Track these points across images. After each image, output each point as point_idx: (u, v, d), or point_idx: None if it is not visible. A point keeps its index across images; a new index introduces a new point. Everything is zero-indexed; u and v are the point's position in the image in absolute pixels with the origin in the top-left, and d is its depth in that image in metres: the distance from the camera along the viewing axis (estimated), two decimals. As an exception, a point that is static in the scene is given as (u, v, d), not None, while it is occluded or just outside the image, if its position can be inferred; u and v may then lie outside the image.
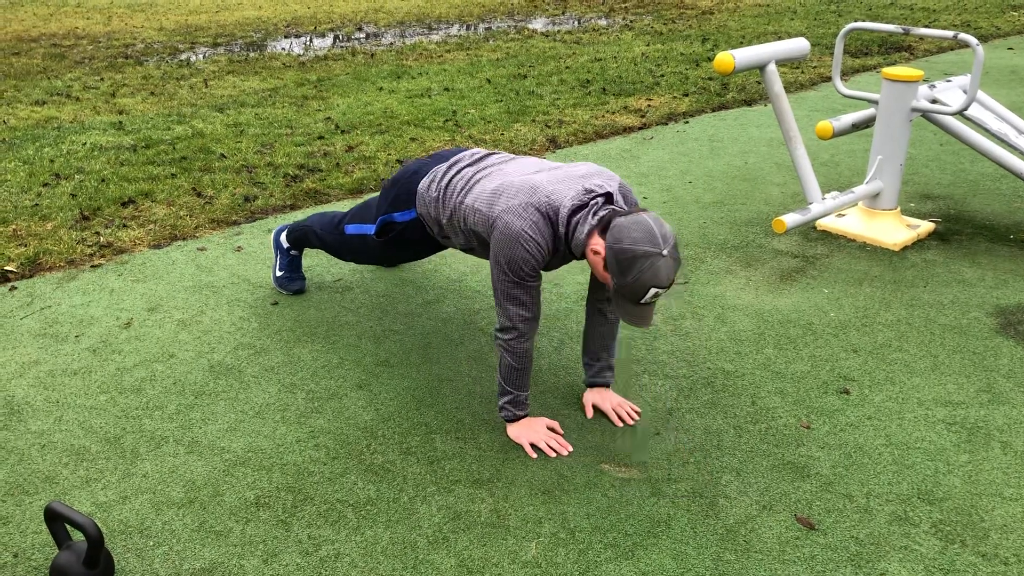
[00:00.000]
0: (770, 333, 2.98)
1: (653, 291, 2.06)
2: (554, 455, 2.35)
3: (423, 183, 2.56)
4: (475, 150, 2.62)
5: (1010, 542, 2.04)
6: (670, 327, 3.02)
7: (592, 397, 2.57)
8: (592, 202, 2.18)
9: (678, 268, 2.10)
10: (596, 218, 2.14)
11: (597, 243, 2.13)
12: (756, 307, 3.17)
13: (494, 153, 2.59)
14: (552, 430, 2.43)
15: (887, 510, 2.14)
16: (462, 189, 2.42)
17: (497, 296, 2.28)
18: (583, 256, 2.21)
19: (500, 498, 2.20)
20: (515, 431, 2.41)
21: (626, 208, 2.22)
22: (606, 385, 2.56)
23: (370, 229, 2.74)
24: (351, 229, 2.83)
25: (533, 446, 2.37)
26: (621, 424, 2.48)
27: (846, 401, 2.59)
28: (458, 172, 2.49)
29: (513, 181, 2.28)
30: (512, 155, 2.56)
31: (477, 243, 2.44)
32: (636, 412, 2.52)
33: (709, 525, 2.10)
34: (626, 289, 2.07)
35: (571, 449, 2.37)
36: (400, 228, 2.65)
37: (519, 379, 2.36)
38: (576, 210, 2.18)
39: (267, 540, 2.06)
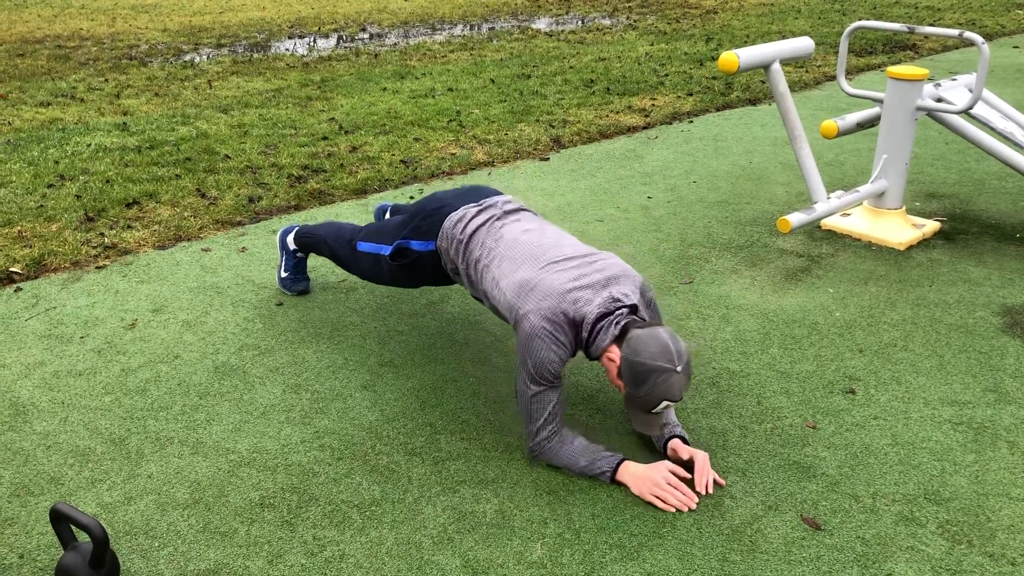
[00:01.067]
0: (775, 333, 2.98)
1: (665, 403, 2.11)
2: (684, 509, 2.14)
3: (449, 220, 2.56)
4: (507, 197, 2.64)
5: (1017, 542, 2.03)
6: (675, 327, 3.02)
7: (685, 450, 2.32)
8: (617, 312, 2.20)
9: (689, 383, 2.13)
10: (618, 328, 2.17)
11: (614, 352, 2.17)
12: (761, 307, 3.16)
13: (524, 209, 2.61)
14: (673, 474, 2.21)
15: (893, 510, 2.13)
16: (489, 253, 2.43)
17: (522, 402, 2.28)
18: (597, 359, 2.24)
19: (505, 498, 2.19)
20: (635, 486, 2.19)
21: (645, 318, 2.25)
22: (684, 438, 2.37)
23: (385, 250, 2.73)
24: (364, 247, 2.82)
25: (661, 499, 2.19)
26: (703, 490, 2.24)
27: (852, 401, 2.58)
28: (486, 224, 2.50)
29: (544, 279, 2.26)
30: (539, 217, 2.58)
31: (488, 305, 2.47)
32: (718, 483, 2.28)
33: (715, 525, 2.09)
34: (639, 399, 2.12)
35: (697, 501, 2.17)
36: (415, 256, 2.66)
37: (579, 453, 2.26)
38: (601, 317, 2.20)
39: (272, 541, 2.06)
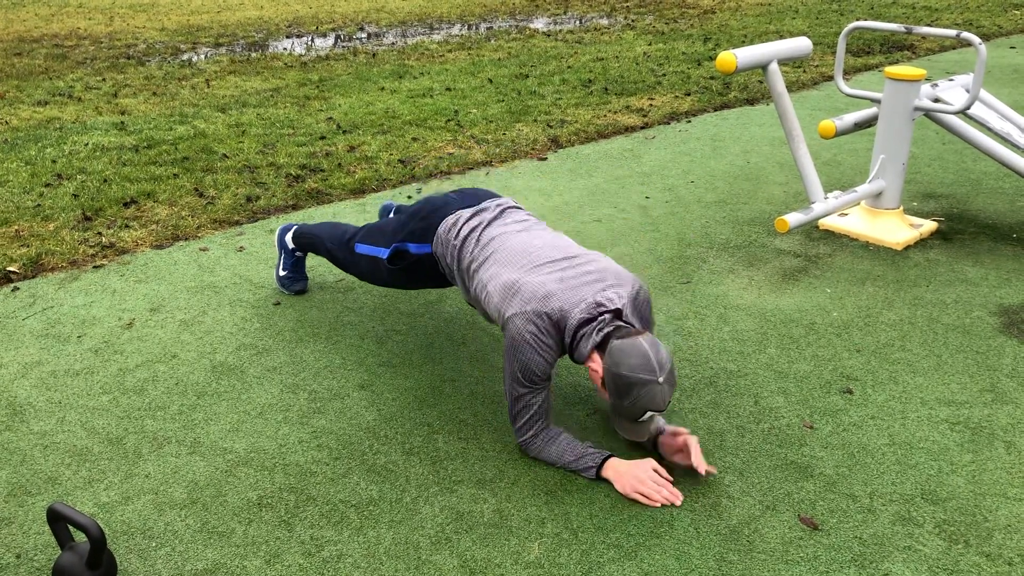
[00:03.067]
0: (773, 333, 2.98)
1: (649, 413, 2.12)
2: (667, 504, 2.15)
3: (444, 225, 2.57)
4: (501, 199, 2.64)
5: (1014, 542, 2.03)
6: (673, 327, 3.02)
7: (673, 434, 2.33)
8: (600, 318, 2.19)
9: (673, 391, 2.13)
10: (600, 335, 2.16)
11: (596, 361, 2.18)
12: (759, 307, 3.16)
13: (518, 208, 2.62)
14: (657, 472, 2.22)
15: (890, 510, 2.14)
16: (478, 257, 2.43)
17: (510, 402, 2.29)
18: (583, 363, 2.25)
19: (503, 498, 2.19)
20: (619, 482, 2.19)
21: (633, 323, 2.23)
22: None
23: (383, 253, 2.73)
24: (362, 248, 2.82)
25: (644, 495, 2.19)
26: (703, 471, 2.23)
27: (849, 401, 2.59)
28: (478, 228, 2.50)
29: (528, 282, 2.26)
30: (532, 218, 2.58)
31: (480, 310, 2.48)
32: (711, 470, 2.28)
33: (712, 525, 2.10)
34: (623, 409, 2.13)
35: (682, 497, 2.18)
36: (413, 260, 2.67)
37: (565, 449, 2.27)
38: (583, 323, 2.19)
39: (269, 541, 2.06)
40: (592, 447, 2.28)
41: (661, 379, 2.07)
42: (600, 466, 2.23)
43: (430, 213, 2.63)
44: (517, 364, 2.22)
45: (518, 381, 2.24)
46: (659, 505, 2.15)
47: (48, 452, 2.38)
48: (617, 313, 2.21)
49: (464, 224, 2.53)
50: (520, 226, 2.50)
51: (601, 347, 2.17)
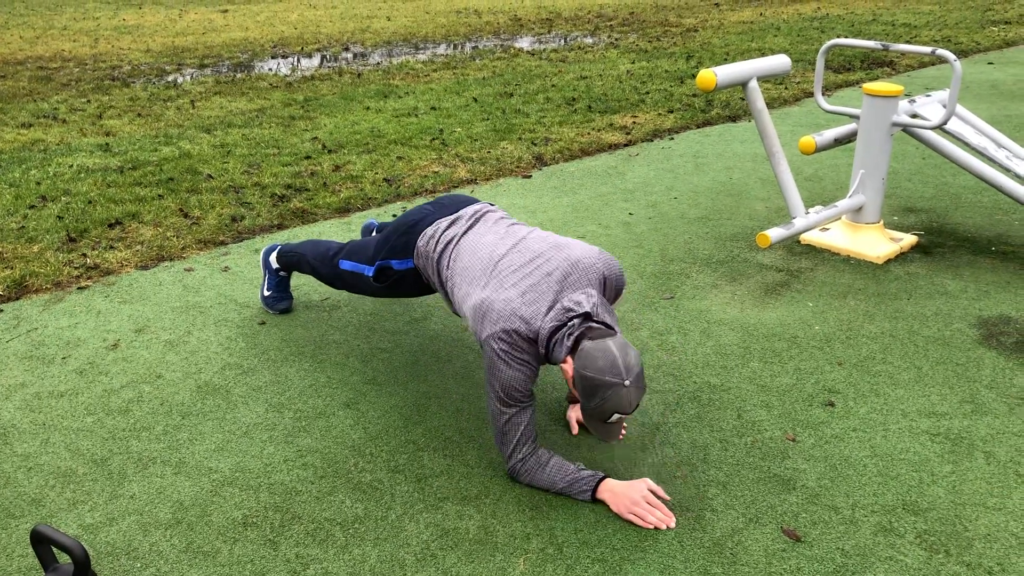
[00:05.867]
0: (755, 347, 3.00)
1: (616, 416, 2.12)
2: (662, 527, 2.15)
3: (422, 239, 2.59)
4: (477, 206, 2.64)
5: (994, 551, 2.06)
6: (656, 342, 3.04)
7: (576, 413, 2.57)
8: (569, 323, 2.20)
9: (642, 395, 2.13)
10: (571, 339, 2.17)
11: (569, 363, 2.19)
12: (741, 321, 3.19)
13: (493, 210, 2.63)
14: (653, 493, 2.23)
15: (872, 521, 2.16)
16: (452, 273, 2.45)
17: (495, 425, 2.29)
18: (559, 364, 2.26)
19: (488, 514, 2.20)
20: (614, 503, 2.21)
21: (605, 321, 2.22)
22: None
23: (367, 270, 2.75)
24: (345, 265, 2.83)
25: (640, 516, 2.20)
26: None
27: (831, 413, 2.61)
28: (452, 241, 2.51)
29: (494, 300, 2.25)
30: (506, 219, 2.58)
31: (463, 320, 2.49)
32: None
33: (696, 538, 2.11)
34: (592, 411, 2.13)
35: (675, 520, 2.18)
36: (397, 276, 2.69)
37: (557, 473, 2.27)
38: (555, 331, 2.21)
39: (255, 560, 2.06)
40: (584, 469, 2.28)
41: (627, 382, 2.07)
42: (595, 488, 2.24)
43: (409, 228, 2.64)
44: (498, 384, 2.22)
45: (501, 401, 2.24)
46: (653, 528, 2.15)
47: (32, 474, 2.37)
48: (587, 316, 2.22)
49: (441, 235, 2.55)
50: (491, 233, 2.49)
51: (574, 350, 2.17)
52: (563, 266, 2.31)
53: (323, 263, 2.93)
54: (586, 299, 2.24)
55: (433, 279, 2.57)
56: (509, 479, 2.33)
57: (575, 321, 2.19)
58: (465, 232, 2.53)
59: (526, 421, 2.27)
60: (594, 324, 2.19)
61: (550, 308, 2.23)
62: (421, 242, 2.59)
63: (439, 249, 2.52)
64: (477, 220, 2.57)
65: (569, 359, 2.17)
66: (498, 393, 2.23)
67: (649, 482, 2.23)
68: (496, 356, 2.20)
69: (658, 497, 2.23)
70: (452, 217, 2.59)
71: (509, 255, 2.37)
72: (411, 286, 2.71)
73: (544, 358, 2.26)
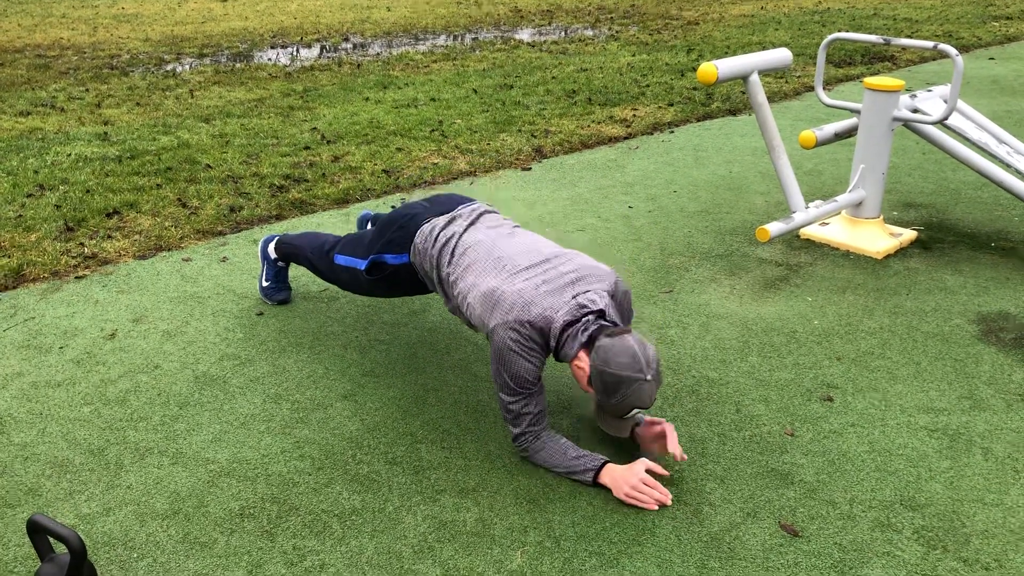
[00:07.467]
0: (754, 341, 3.00)
1: (635, 411, 2.14)
2: (655, 507, 2.17)
3: (420, 234, 2.58)
4: (475, 205, 2.64)
5: (991, 547, 2.06)
6: (655, 336, 3.04)
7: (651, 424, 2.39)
8: (584, 319, 2.21)
9: (659, 388, 2.15)
10: (586, 335, 2.18)
11: (582, 360, 2.19)
12: (740, 315, 3.18)
13: (492, 212, 2.62)
14: (650, 472, 2.25)
15: (870, 516, 2.16)
16: (456, 267, 2.44)
17: (505, 412, 2.30)
18: (569, 362, 2.26)
19: (485, 507, 2.20)
20: (615, 487, 2.21)
21: (616, 322, 2.25)
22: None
23: (361, 264, 2.74)
24: (340, 260, 2.82)
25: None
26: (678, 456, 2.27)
27: (829, 408, 2.61)
28: (453, 237, 2.50)
29: (508, 290, 2.26)
30: (508, 222, 2.58)
31: (463, 319, 2.48)
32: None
33: (694, 532, 2.11)
34: (610, 407, 2.15)
35: (671, 497, 2.20)
36: (391, 271, 2.68)
37: (562, 454, 2.28)
38: (568, 325, 2.21)
39: (252, 551, 2.06)
40: (588, 452, 2.29)
41: (649, 376, 2.10)
42: (598, 472, 2.25)
43: (406, 222, 2.63)
44: (507, 374, 2.23)
45: (511, 390, 2.25)
46: (655, 508, 2.17)
47: (29, 463, 2.37)
48: (600, 314, 2.23)
49: (440, 233, 2.54)
50: (495, 232, 2.50)
51: (587, 346, 2.18)
52: (576, 267, 2.34)
53: (319, 257, 2.92)
54: (599, 298, 2.26)
55: (431, 275, 2.56)
56: (503, 463, 2.33)
57: (589, 317, 2.20)
58: (466, 229, 2.53)
59: (535, 407, 2.28)
60: (606, 323, 2.20)
61: (564, 303, 2.23)
62: (419, 237, 2.58)
63: (439, 246, 2.52)
64: (477, 219, 2.57)
65: (583, 356, 2.18)
66: (507, 382, 2.24)
67: (647, 462, 2.24)
68: (506, 345, 2.21)
69: (656, 476, 2.24)
70: (449, 215, 2.59)
71: (520, 255, 2.38)
72: (404, 283, 2.70)
73: (553, 352, 2.26)
